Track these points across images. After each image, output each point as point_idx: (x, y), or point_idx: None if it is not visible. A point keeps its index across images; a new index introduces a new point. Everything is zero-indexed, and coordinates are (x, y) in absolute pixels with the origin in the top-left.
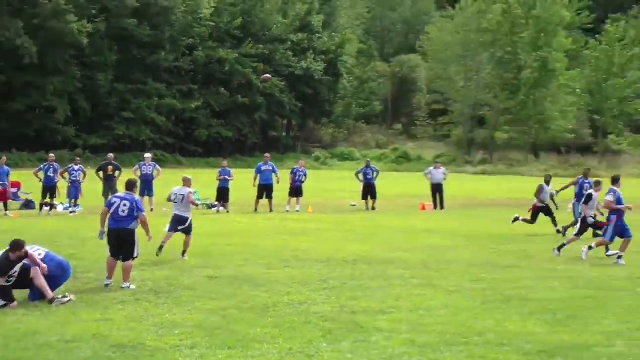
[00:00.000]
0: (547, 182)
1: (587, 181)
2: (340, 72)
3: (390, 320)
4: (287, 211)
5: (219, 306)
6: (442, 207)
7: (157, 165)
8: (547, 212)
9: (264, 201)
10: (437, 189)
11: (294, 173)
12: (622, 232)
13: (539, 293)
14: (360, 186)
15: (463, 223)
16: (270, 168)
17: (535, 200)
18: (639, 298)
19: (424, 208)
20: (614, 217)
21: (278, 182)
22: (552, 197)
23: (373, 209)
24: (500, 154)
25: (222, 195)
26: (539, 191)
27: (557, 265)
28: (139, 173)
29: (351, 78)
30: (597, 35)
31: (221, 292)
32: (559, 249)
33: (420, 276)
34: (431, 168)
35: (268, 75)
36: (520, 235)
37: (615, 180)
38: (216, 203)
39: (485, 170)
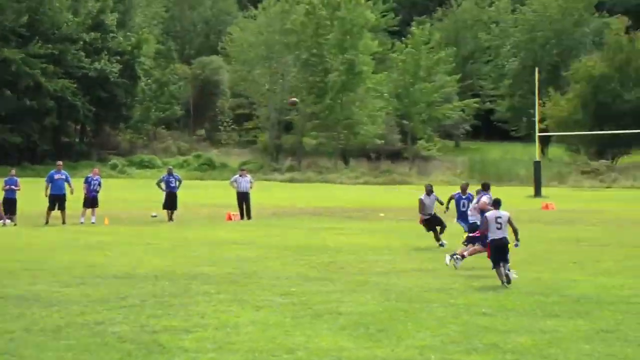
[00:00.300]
0: (429, 192)
1: (463, 197)
2: (137, 74)
3: (195, 339)
4: (82, 223)
5: (5, 329)
6: (249, 217)
7: None
8: (435, 222)
9: (56, 212)
10: (243, 198)
11: (88, 182)
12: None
13: (351, 306)
14: (162, 195)
15: (271, 233)
16: (63, 177)
17: (420, 215)
18: (452, 310)
19: (230, 218)
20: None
21: (72, 192)
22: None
23: (171, 219)
24: (309, 161)
25: (9, 206)
26: (421, 206)
27: (369, 277)
28: None
29: (149, 80)
30: (402, 38)
31: (7, 314)
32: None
33: (226, 291)
34: (237, 176)
35: (294, 99)
36: (331, 247)
37: (486, 187)
38: (2, 215)
39: (293, 177)
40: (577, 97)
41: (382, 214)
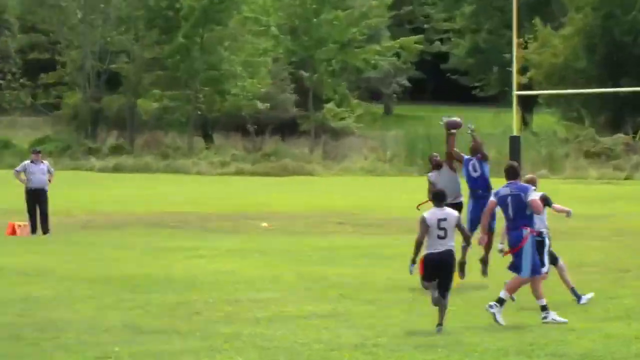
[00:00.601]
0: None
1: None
2: None
3: None
4: None
5: None
6: (44, 230)
7: None
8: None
9: None
10: (36, 198)
11: None
12: None
13: None
14: None
15: (82, 257)
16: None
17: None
18: None
19: (14, 232)
20: None
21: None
22: None
23: None
24: (146, 137)
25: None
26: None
27: (242, 327)
28: None
29: None
30: None
31: None
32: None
33: (4, 356)
34: (27, 162)
35: (455, 119)
36: (180, 278)
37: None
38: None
39: (120, 164)
40: (578, 34)
41: (265, 224)
